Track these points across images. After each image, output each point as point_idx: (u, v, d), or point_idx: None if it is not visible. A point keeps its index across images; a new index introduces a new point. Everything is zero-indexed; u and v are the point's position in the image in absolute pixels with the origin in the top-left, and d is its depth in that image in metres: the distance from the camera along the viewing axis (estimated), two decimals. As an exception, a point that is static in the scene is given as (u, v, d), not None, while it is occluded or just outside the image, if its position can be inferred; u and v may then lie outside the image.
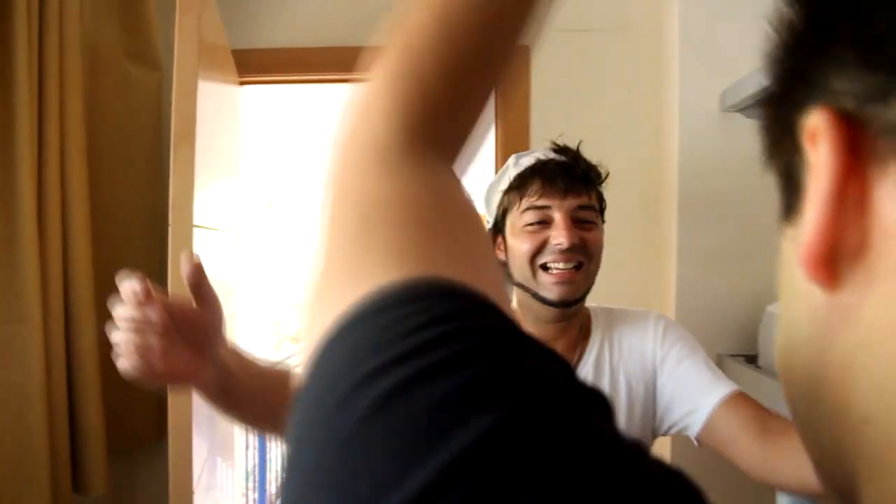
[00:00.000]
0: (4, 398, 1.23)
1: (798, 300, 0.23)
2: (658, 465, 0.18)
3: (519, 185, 0.94)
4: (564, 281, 0.91)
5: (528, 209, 0.92)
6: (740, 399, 0.87)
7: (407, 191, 0.29)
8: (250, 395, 0.70)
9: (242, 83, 1.74)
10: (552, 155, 0.95)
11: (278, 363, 0.99)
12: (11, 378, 1.23)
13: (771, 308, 1.32)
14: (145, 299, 0.60)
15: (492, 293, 0.24)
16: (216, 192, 1.38)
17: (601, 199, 0.98)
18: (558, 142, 0.99)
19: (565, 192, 0.91)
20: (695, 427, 0.89)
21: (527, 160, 0.96)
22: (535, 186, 0.92)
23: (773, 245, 0.26)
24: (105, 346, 1.38)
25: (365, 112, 0.32)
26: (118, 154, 1.56)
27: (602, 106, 1.69)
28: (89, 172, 1.44)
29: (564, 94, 1.71)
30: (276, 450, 2.98)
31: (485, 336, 0.21)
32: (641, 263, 1.65)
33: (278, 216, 4.08)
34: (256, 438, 2.90)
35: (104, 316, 1.39)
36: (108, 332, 0.64)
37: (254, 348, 2.53)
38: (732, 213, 1.48)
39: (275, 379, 0.72)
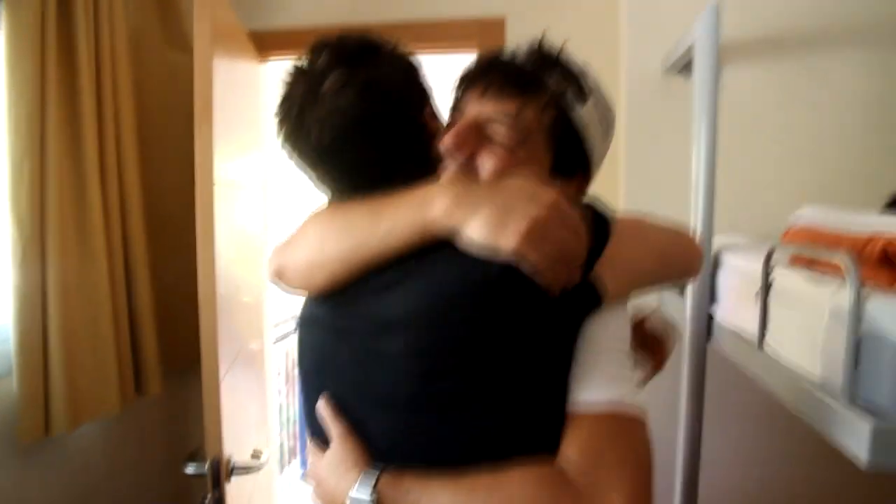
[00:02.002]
0: (82, 320, 1.61)
1: None
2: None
3: (458, 80, 0.84)
4: None
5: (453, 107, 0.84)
6: None
7: None
8: None
9: (262, 61, 2.04)
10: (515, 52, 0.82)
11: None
12: (86, 302, 1.60)
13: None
14: None
15: None
16: (240, 155, 1.70)
17: (555, 131, 0.79)
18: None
19: (483, 94, 0.78)
20: None
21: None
22: (459, 83, 0.83)
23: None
24: (157, 283, 1.78)
25: None
26: (164, 128, 1.89)
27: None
28: (140, 143, 1.78)
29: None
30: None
31: None
32: None
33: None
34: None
35: (156, 258, 1.78)
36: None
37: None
38: (674, 166, 1.70)
39: None
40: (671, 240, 0.84)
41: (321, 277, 0.79)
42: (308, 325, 0.86)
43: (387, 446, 0.74)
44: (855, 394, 0.76)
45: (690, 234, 0.91)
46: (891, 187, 1.18)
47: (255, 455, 1.71)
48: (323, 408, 0.80)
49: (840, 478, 1.44)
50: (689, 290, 1.34)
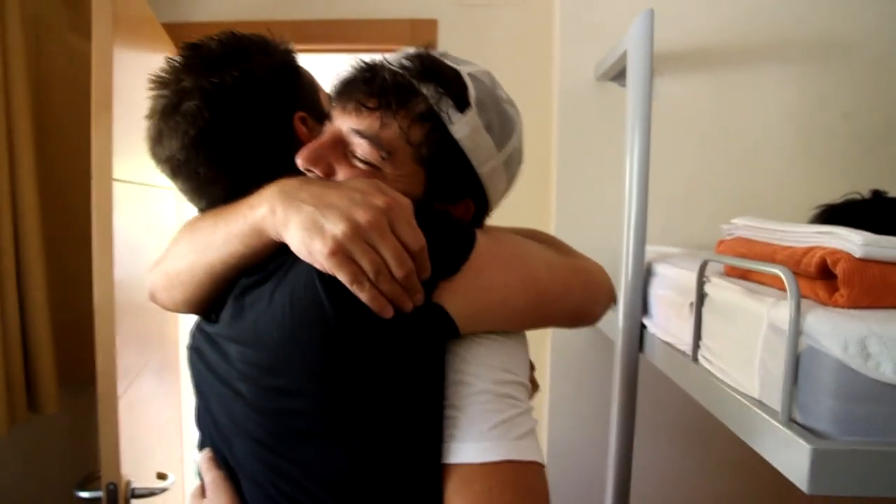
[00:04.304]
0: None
1: None
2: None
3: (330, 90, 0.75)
4: None
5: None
6: None
7: None
8: None
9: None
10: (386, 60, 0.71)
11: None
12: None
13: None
14: None
15: None
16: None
17: (427, 148, 0.68)
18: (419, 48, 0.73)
19: (345, 107, 0.69)
20: None
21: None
22: (331, 91, 0.74)
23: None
24: (55, 288, 1.61)
25: None
26: (66, 119, 1.73)
27: (500, 76, 1.87)
28: (37, 134, 1.62)
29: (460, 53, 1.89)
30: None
31: None
32: (523, 222, 1.85)
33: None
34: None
35: (54, 261, 1.61)
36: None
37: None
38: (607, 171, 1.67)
39: None
40: (564, 277, 0.74)
41: (179, 293, 0.74)
42: (190, 349, 0.78)
43: (251, 476, 0.68)
44: (793, 412, 0.72)
45: (601, 273, 0.82)
46: (818, 199, 1.18)
47: (161, 477, 1.57)
48: (201, 454, 0.74)
49: (774, 493, 1.43)
50: (621, 300, 1.30)
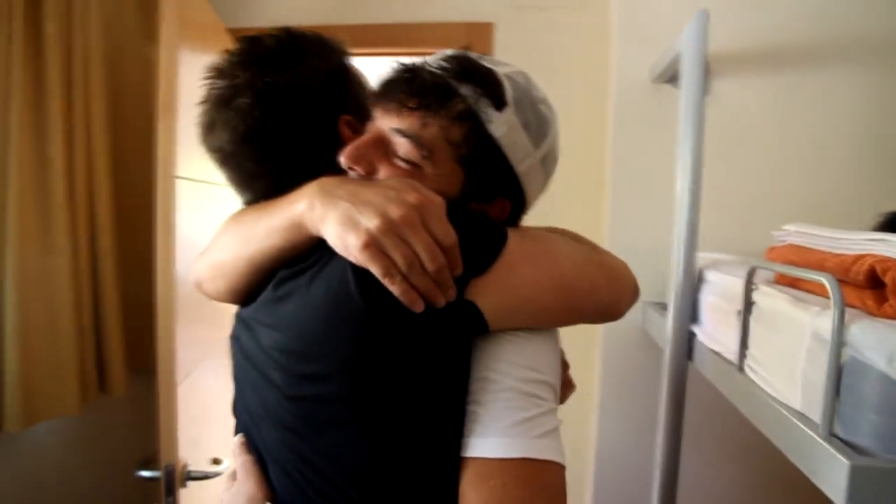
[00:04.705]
0: (41, 315, 1.54)
1: None
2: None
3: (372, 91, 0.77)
4: None
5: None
6: None
7: None
8: None
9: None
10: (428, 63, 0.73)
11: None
12: (46, 297, 1.54)
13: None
14: None
15: None
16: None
17: (466, 147, 0.69)
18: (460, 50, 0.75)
19: (387, 107, 0.71)
20: None
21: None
22: (373, 92, 0.76)
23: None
24: (124, 278, 1.71)
25: None
26: (139, 122, 1.82)
27: (556, 78, 1.85)
28: (113, 136, 1.72)
29: (524, 67, 1.89)
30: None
31: None
32: (576, 222, 1.82)
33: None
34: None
35: (126, 254, 1.71)
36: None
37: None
38: (662, 174, 1.64)
39: None
40: (590, 273, 0.75)
41: (222, 283, 0.77)
42: (230, 338, 0.82)
43: (279, 462, 0.71)
44: (834, 426, 0.70)
45: (625, 269, 0.82)
46: (883, 206, 1.12)
47: (216, 462, 1.63)
48: (235, 439, 0.78)
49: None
50: (671, 307, 1.27)
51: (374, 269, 0.61)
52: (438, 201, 0.64)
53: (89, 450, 1.83)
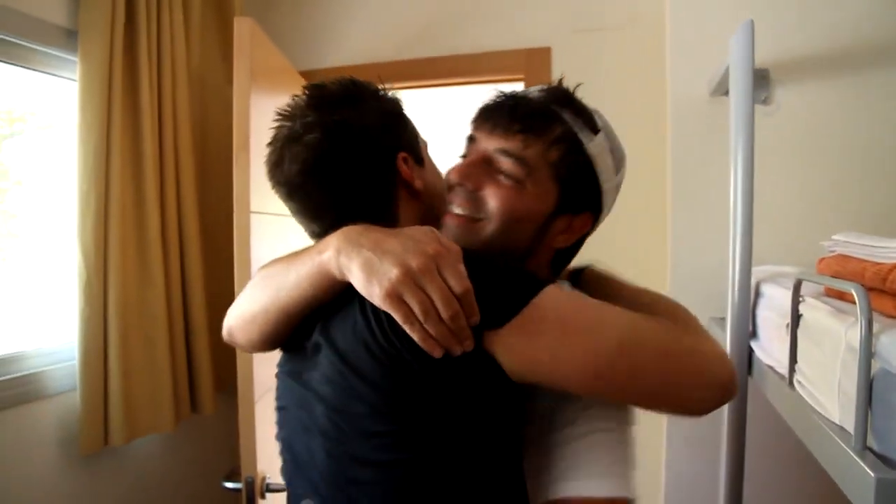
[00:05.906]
0: (140, 341, 1.71)
1: None
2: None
3: (473, 115, 0.85)
4: (450, 225, 0.82)
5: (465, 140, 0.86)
6: None
7: None
8: None
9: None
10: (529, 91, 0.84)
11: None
12: (144, 324, 1.71)
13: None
14: None
15: None
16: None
17: (563, 166, 0.79)
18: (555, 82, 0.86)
19: (492, 130, 0.80)
20: None
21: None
22: (474, 117, 0.85)
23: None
24: (210, 306, 1.87)
25: None
26: (221, 161, 2.00)
27: (614, 98, 1.86)
28: (198, 175, 1.90)
29: (581, 88, 1.91)
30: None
31: None
32: (641, 239, 1.83)
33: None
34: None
35: (211, 283, 1.87)
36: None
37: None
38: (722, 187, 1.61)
39: None
40: (641, 358, 0.68)
41: (255, 331, 0.81)
42: (279, 377, 0.87)
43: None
44: (868, 439, 0.68)
45: (715, 363, 0.71)
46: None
47: (295, 477, 1.73)
48: None
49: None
50: (728, 322, 1.26)
51: (396, 316, 0.65)
52: (455, 250, 0.67)
53: (182, 462, 1.99)
